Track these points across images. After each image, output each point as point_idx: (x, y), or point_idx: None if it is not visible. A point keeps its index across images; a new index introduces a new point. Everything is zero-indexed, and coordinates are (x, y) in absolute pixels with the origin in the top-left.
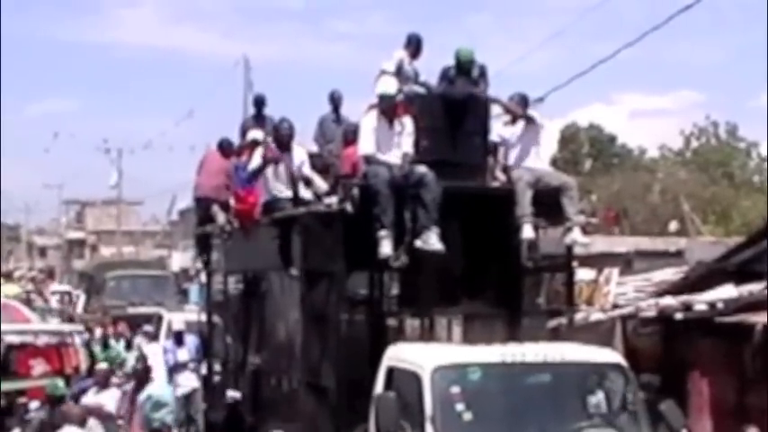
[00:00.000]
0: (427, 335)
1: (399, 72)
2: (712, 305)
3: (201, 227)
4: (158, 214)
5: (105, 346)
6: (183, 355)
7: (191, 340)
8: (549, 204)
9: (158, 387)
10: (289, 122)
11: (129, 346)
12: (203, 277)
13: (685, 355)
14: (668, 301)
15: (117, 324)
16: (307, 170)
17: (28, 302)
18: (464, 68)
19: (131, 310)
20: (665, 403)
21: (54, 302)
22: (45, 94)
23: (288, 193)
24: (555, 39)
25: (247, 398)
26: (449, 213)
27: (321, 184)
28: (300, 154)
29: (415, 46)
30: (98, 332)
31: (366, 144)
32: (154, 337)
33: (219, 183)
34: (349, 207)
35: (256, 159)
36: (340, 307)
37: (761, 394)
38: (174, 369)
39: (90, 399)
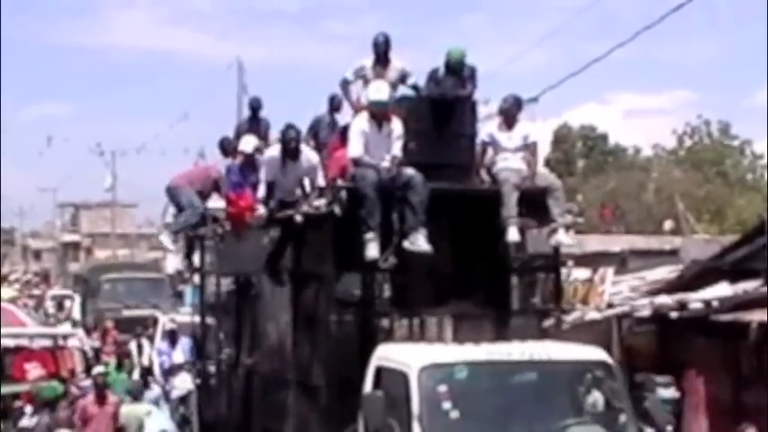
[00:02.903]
0: (416, 335)
1: (365, 80)
2: (707, 304)
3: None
4: (153, 217)
5: (119, 366)
6: (179, 356)
7: (184, 341)
8: (536, 205)
9: (163, 420)
10: (296, 130)
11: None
12: (197, 279)
13: (681, 353)
14: (663, 299)
15: (108, 333)
16: (320, 177)
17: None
18: (454, 68)
19: (126, 313)
20: (650, 400)
21: (50, 308)
22: (40, 98)
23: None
24: (549, 39)
25: (240, 398)
26: (437, 214)
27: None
28: (311, 158)
29: (377, 52)
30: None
31: (355, 147)
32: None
33: (190, 175)
34: (337, 209)
35: None
36: (330, 308)
37: (756, 392)
38: (169, 372)
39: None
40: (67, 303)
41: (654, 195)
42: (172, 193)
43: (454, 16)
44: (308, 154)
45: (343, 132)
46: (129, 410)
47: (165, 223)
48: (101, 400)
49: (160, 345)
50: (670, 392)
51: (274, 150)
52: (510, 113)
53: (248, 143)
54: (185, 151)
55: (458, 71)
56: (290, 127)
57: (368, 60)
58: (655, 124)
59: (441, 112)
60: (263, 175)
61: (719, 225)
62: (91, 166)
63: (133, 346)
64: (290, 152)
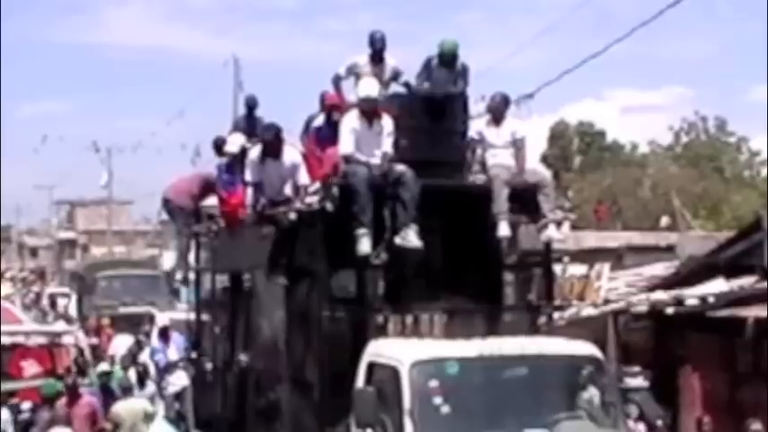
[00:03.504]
0: (409, 331)
1: (357, 77)
2: (704, 299)
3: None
4: (149, 214)
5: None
6: (173, 353)
7: (177, 338)
8: (526, 201)
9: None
10: (275, 129)
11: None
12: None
13: (677, 349)
14: (660, 295)
15: (103, 330)
16: (302, 175)
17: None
18: (447, 60)
19: (123, 310)
20: (639, 395)
21: (47, 306)
22: (36, 95)
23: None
24: (546, 35)
25: (234, 394)
26: (428, 211)
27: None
28: (293, 157)
29: (373, 50)
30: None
31: (346, 144)
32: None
33: (184, 188)
34: (329, 206)
35: None
36: (322, 304)
37: (753, 388)
38: (165, 369)
39: None
40: (60, 301)
41: (650, 192)
42: (168, 207)
43: (451, 13)
44: (291, 153)
45: (317, 132)
46: (121, 406)
47: (162, 220)
48: (72, 401)
49: (154, 343)
50: (638, 381)
51: (255, 151)
52: (498, 111)
53: (233, 143)
54: (182, 148)
55: (451, 63)
56: (270, 126)
57: (361, 58)
58: (651, 120)
59: (432, 109)
60: (247, 176)
61: (716, 221)
62: (87, 163)
63: (130, 342)
64: (270, 151)
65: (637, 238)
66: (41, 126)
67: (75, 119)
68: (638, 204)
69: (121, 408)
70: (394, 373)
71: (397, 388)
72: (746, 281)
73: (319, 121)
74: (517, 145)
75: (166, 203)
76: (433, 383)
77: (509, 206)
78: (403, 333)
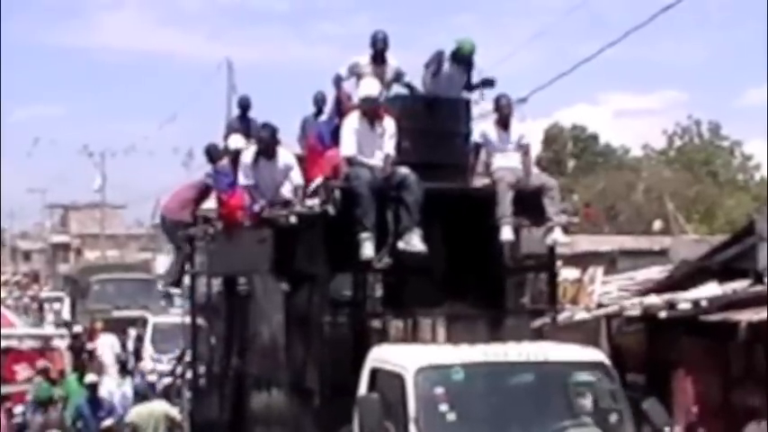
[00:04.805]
0: (411, 336)
1: (358, 78)
2: (696, 303)
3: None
4: (142, 218)
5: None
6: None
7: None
8: (530, 205)
9: None
10: (271, 128)
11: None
12: (187, 280)
13: (670, 353)
14: (652, 299)
15: (96, 334)
16: (295, 175)
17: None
18: (461, 60)
19: (116, 314)
20: (647, 401)
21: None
22: (29, 99)
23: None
24: (539, 39)
25: (231, 401)
26: (431, 214)
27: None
28: (286, 158)
29: (375, 50)
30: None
31: (348, 146)
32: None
33: (182, 198)
34: (331, 209)
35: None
36: (323, 309)
37: (745, 392)
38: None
39: None
40: (47, 306)
41: (643, 195)
42: (165, 225)
43: (445, 16)
44: (284, 155)
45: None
46: (141, 410)
47: (153, 224)
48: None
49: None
50: None
51: (249, 153)
52: (508, 114)
53: (235, 142)
54: (174, 152)
55: (464, 63)
56: (264, 126)
57: (362, 58)
58: (645, 124)
59: (435, 112)
60: (241, 179)
61: (709, 225)
62: (80, 166)
63: (115, 342)
64: (265, 151)
65: (630, 241)
66: (34, 129)
67: (68, 122)
68: (631, 208)
69: (142, 410)
70: (398, 379)
71: (402, 395)
72: (739, 285)
73: (323, 117)
74: (524, 149)
75: (164, 221)
76: (439, 390)
77: (512, 209)
78: (405, 338)
